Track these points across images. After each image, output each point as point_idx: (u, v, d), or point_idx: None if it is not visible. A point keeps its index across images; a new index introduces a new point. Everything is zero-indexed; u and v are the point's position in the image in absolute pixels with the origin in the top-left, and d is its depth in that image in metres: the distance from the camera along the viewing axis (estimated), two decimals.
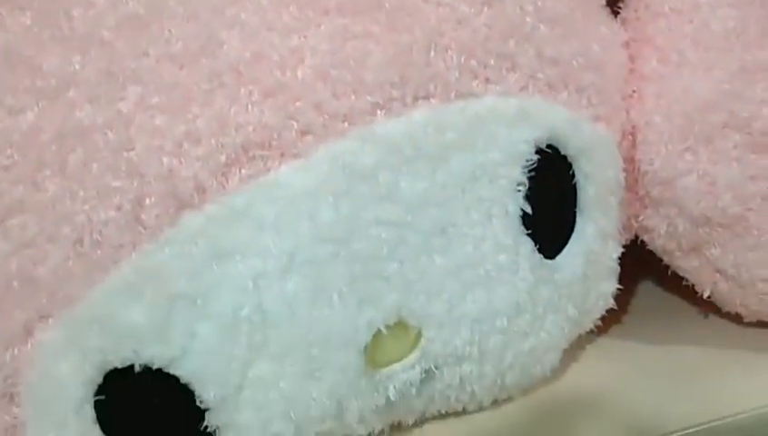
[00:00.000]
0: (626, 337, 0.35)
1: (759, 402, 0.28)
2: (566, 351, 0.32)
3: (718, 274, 0.30)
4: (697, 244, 0.30)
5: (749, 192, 0.27)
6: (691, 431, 0.28)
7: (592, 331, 0.34)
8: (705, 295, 0.31)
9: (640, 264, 0.34)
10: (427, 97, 0.24)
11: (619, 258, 0.32)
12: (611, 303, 0.32)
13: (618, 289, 0.32)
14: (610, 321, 0.35)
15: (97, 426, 0.24)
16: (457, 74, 0.25)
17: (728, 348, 0.32)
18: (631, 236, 0.33)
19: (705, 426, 0.28)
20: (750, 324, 0.32)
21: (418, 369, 0.26)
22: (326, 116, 0.23)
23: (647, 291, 0.38)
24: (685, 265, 0.31)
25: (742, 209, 0.28)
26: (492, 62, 0.25)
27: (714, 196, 0.28)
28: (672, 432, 0.28)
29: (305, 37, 0.23)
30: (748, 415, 0.28)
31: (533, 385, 0.30)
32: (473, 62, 0.25)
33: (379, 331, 0.25)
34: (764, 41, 0.28)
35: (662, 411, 0.29)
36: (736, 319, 0.33)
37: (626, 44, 0.31)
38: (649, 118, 0.29)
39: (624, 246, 0.33)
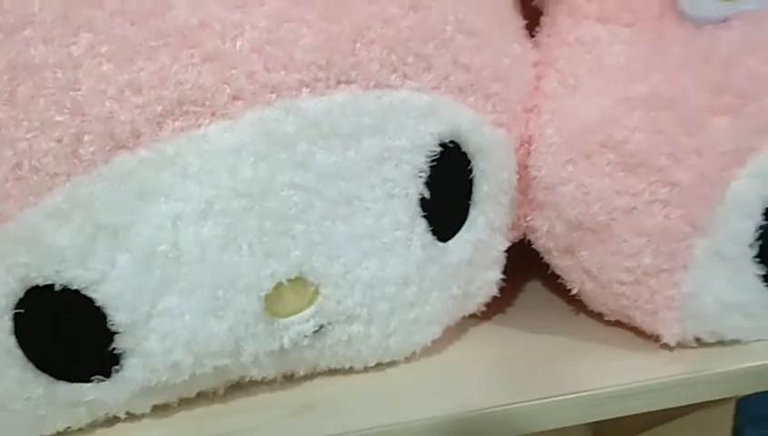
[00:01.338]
0: (506, 324, 0.39)
1: (602, 384, 0.32)
2: (450, 329, 0.36)
3: (585, 275, 0.34)
4: (570, 246, 0.34)
5: (615, 204, 0.32)
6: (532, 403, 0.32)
7: (477, 316, 0.38)
8: (574, 292, 0.36)
9: (529, 262, 0.38)
10: (348, 82, 0.28)
11: (509, 254, 0.36)
12: (495, 292, 0.36)
13: (507, 282, 0.36)
14: (495, 309, 0.39)
15: (13, 338, 0.26)
16: (378, 66, 0.28)
17: (586, 340, 0.36)
18: (520, 235, 0.37)
19: (549, 400, 0.32)
20: (610, 323, 0.37)
21: (312, 322, 0.29)
22: (257, 86, 0.26)
23: (533, 287, 0.42)
24: (561, 264, 0.36)
25: (607, 218, 0.32)
26: (410, 60, 0.29)
27: (587, 204, 0.32)
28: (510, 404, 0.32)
29: (247, 13, 0.26)
30: (588, 394, 0.32)
31: (414, 352, 0.34)
32: (394, 57, 0.28)
33: (280, 283, 0.28)
34: (645, 76, 0.32)
35: (509, 388, 0.33)
36: (600, 317, 0.37)
37: (535, 64, 0.35)
38: (543, 131, 0.33)
39: (514, 243, 0.37)
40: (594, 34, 0.33)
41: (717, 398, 0.35)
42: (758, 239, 0.31)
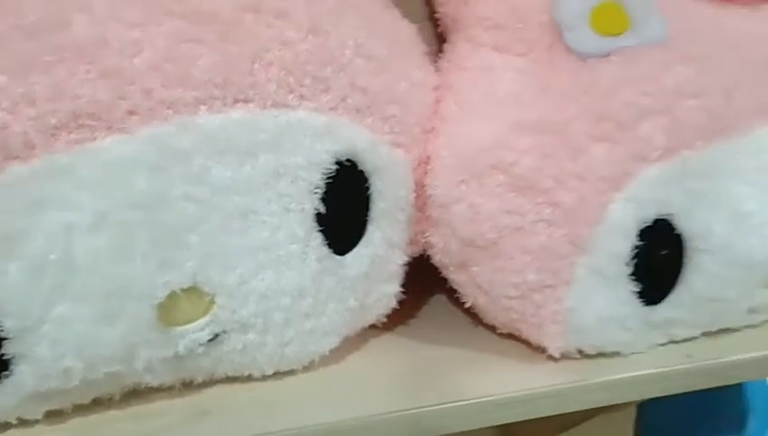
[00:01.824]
0: (407, 335, 0.40)
1: (491, 392, 0.34)
2: (351, 340, 0.38)
3: (478, 289, 0.36)
4: (464, 262, 0.36)
5: (503, 223, 0.34)
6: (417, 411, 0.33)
7: (377, 327, 0.39)
8: (467, 305, 0.38)
9: (433, 275, 0.40)
10: (246, 101, 0.29)
11: (413, 268, 0.38)
12: (394, 304, 0.38)
13: (410, 295, 0.38)
14: (397, 320, 0.40)
15: None
16: (275, 86, 0.29)
17: (481, 351, 0.38)
18: (420, 250, 0.39)
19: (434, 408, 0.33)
20: (504, 335, 0.39)
21: (207, 331, 0.30)
22: (153, 102, 0.27)
23: (437, 300, 0.44)
24: (456, 279, 0.37)
25: (496, 236, 0.34)
26: (308, 82, 0.30)
27: (477, 223, 0.34)
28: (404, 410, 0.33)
29: (146, 32, 0.27)
30: (477, 401, 0.34)
31: (312, 361, 0.35)
32: (291, 79, 0.30)
33: (174, 292, 0.29)
34: (534, 104, 0.34)
35: (404, 394, 0.34)
36: (495, 329, 0.39)
37: (436, 88, 0.37)
38: (439, 152, 0.35)
39: (418, 257, 0.39)
40: (489, 62, 0.35)
41: (599, 406, 0.37)
42: (634, 258, 0.34)
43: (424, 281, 0.39)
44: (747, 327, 0.40)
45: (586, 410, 0.37)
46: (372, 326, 0.39)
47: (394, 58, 0.34)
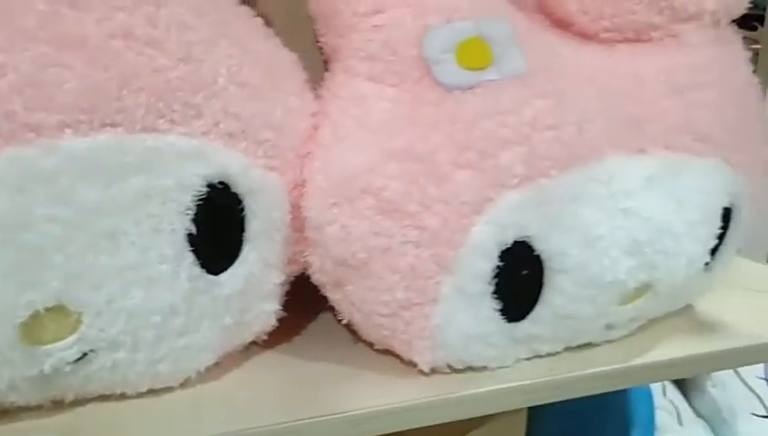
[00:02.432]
0: (289, 352, 0.42)
1: (365, 405, 0.36)
2: (232, 357, 0.39)
3: (352, 307, 0.38)
4: (339, 281, 0.37)
5: (372, 244, 0.35)
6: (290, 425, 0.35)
7: (258, 344, 0.40)
8: (344, 322, 0.39)
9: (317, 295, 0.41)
10: (114, 125, 0.30)
11: (300, 286, 0.39)
12: (273, 321, 0.39)
13: (297, 312, 0.39)
14: (280, 337, 0.42)
15: None
16: (144, 111, 0.30)
17: (359, 366, 0.40)
18: (300, 269, 0.40)
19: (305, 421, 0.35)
20: (381, 351, 0.40)
21: (75, 349, 0.31)
22: (15, 124, 0.27)
23: (324, 317, 0.46)
24: (333, 297, 0.39)
25: (366, 257, 0.36)
26: (178, 108, 0.31)
27: (349, 244, 0.36)
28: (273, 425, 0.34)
29: (11, 57, 0.28)
30: (350, 414, 0.35)
31: (187, 378, 0.36)
32: (161, 105, 0.31)
33: (38, 311, 0.29)
34: (403, 132, 0.36)
35: (278, 409, 0.36)
36: (372, 345, 0.41)
37: (314, 115, 0.39)
38: (314, 176, 0.37)
39: (300, 277, 0.40)
40: (363, 92, 0.37)
41: (467, 417, 0.39)
42: (495, 277, 0.36)
43: (310, 299, 0.41)
44: (606, 342, 0.43)
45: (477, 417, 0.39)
46: (255, 343, 0.40)
47: (269, 86, 0.36)
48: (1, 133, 0.27)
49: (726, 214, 0.43)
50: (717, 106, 0.41)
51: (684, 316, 0.48)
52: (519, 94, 0.36)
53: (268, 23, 0.39)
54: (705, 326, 0.47)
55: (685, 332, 0.46)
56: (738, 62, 0.43)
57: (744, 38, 1.06)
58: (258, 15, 0.39)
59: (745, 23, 1.11)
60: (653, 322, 0.46)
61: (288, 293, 0.41)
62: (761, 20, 0.98)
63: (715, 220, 0.42)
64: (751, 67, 0.44)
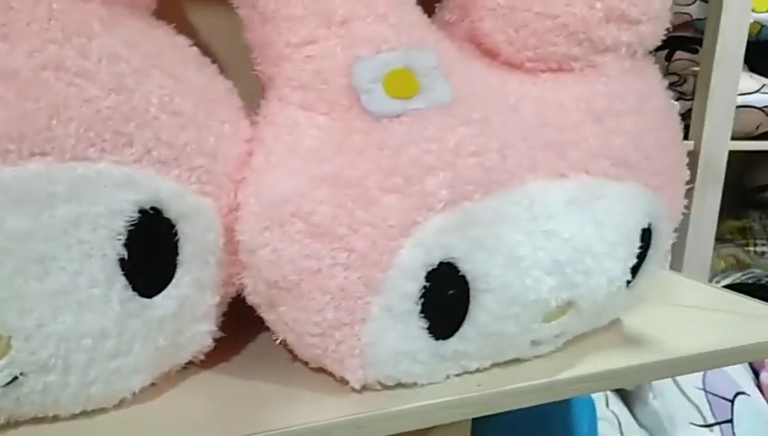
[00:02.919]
0: (227, 372, 0.43)
1: (284, 424, 0.37)
2: (168, 376, 0.39)
3: (286, 327, 0.39)
4: (272, 302, 0.39)
5: (303, 266, 0.37)
6: None
7: (195, 364, 0.41)
8: (278, 342, 0.40)
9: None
10: (43, 154, 0.31)
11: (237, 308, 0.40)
12: (209, 342, 0.40)
13: (237, 333, 0.40)
14: (218, 358, 0.43)
15: None
16: (74, 141, 0.31)
17: (294, 385, 0.41)
18: (235, 290, 0.41)
19: None
20: (316, 369, 0.42)
21: (5, 373, 0.31)
22: None
23: (261, 338, 0.47)
24: (267, 318, 0.40)
25: (297, 278, 0.37)
26: (109, 137, 0.32)
27: (280, 266, 0.37)
28: None
29: None
30: (274, 433, 0.36)
31: (122, 399, 0.37)
32: (91, 134, 0.32)
33: None
34: (332, 159, 0.37)
35: (212, 428, 0.37)
36: (308, 364, 0.42)
37: (249, 141, 0.40)
38: (247, 200, 0.38)
39: (236, 298, 0.41)
40: (295, 119, 0.39)
41: (399, 432, 0.40)
42: (422, 297, 0.38)
43: (248, 319, 0.42)
44: (536, 357, 0.45)
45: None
46: (192, 363, 0.41)
47: (202, 114, 0.37)
48: None
49: (646, 235, 0.45)
50: (634, 133, 0.43)
51: (612, 331, 0.51)
52: (444, 122, 0.38)
53: (207, 52, 0.40)
54: (631, 340, 0.49)
55: (611, 347, 0.48)
56: (654, 90, 0.46)
57: (687, 60, 1.10)
58: (196, 45, 0.40)
59: (687, 46, 1.15)
60: (581, 337, 0.48)
61: (225, 314, 0.42)
62: (700, 43, 1.03)
63: (634, 240, 0.44)
64: (668, 94, 0.47)
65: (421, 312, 0.38)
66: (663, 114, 0.45)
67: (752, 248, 1.41)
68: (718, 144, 1.06)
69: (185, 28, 0.41)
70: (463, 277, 0.39)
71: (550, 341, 0.45)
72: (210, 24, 0.51)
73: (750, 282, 1.28)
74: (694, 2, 1.12)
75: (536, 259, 0.40)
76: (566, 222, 0.41)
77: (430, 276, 0.38)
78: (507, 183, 0.39)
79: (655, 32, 0.44)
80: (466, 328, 0.40)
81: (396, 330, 0.38)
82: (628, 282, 0.45)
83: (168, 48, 0.37)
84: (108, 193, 0.32)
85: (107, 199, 0.32)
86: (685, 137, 1.08)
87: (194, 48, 0.39)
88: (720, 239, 1.28)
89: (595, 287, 0.42)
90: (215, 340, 0.41)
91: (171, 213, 0.35)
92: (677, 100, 1.10)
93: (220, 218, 0.38)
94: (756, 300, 0.58)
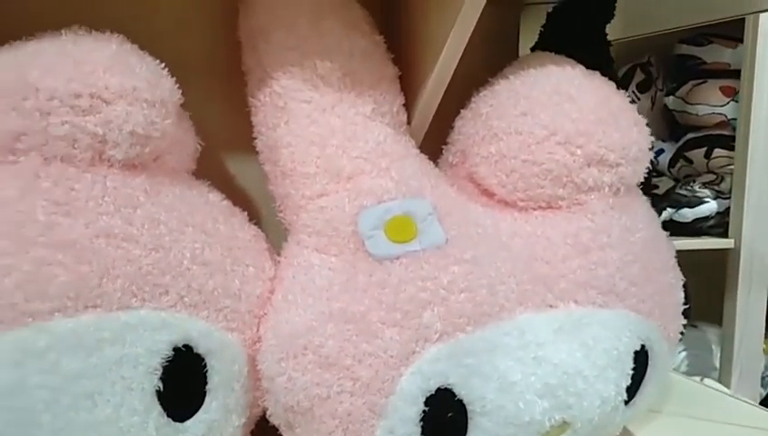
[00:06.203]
0: None
1: None
2: None
3: None
4: (289, 423, 0.44)
5: (314, 393, 0.42)
6: None
7: None
8: None
9: None
10: (95, 307, 0.37)
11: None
12: None
13: None
14: None
15: None
16: (120, 294, 0.38)
17: None
18: (261, 411, 0.47)
19: None
20: None
21: None
22: (17, 313, 0.35)
23: None
24: None
25: (309, 404, 0.42)
26: (149, 288, 0.39)
27: (294, 393, 0.42)
28: None
29: (16, 259, 0.36)
30: None
31: None
32: (134, 287, 0.39)
33: None
34: (339, 297, 0.43)
35: None
36: None
37: (272, 279, 0.46)
38: (266, 334, 0.44)
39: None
40: (311, 261, 0.45)
41: None
42: (421, 420, 0.42)
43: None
44: None
45: None
46: None
47: (229, 261, 0.43)
48: (4, 321, 0.35)
49: (640, 356, 0.48)
50: (620, 263, 0.47)
51: None
52: (438, 263, 0.43)
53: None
54: None
55: None
56: (642, 221, 0.50)
57: (726, 157, 1.12)
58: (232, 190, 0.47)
59: (725, 143, 1.17)
60: None
61: (253, 433, 0.47)
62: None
63: (626, 362, 0.47)
64: (657, 223, 0.51)
65: (422, 433, 0.42)
66: (650, 244, 0.49)
67: None
68: (761, 241, 1.07)
69: (221, 178, 0.48)
70: (460, 401, 0.43)
71: None
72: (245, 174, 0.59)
73: None
74: (728, 103, 1.15)
75: (528, 383, 0.44)
76: (555, 349, 0.44)
77: (429, 401, 0.42)
78: (497, 316, 0.44)
79: (635, 171, 0.48)
80: None
81: None
82: (626, 402, 0.48)
83: (201, 206, 0.44)
84: (147, 335, 0.39)
85: (146, 341, 0.39)
86: (725, 235, 1.10)
87: (225, 202, 0.46)
88: None
89: (588, 408, 0.46)
90: None
91: (200, 348, 0.41)
92: (715, 199, 1.11)
93: (244, 350, 0.43)
94: None
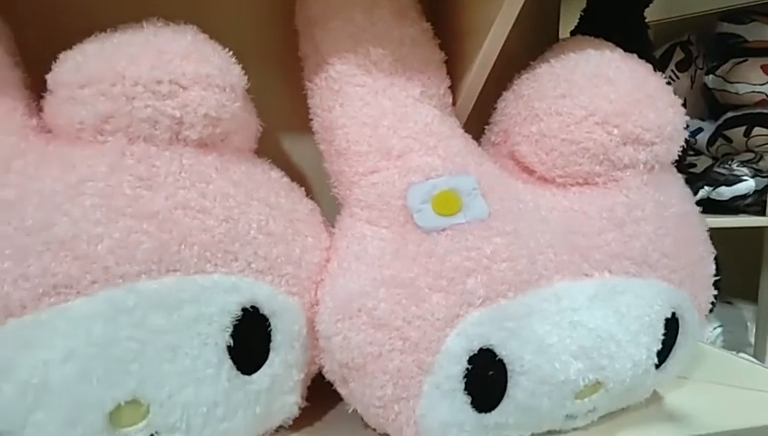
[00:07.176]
0: (309, 434, 0.52)
1: None
2: None
3: (355, 399, 0.49)
4: (344, 379, 0.48)
5: (367, 351, 0.46)
6: None
7: (285, 428, 0.51)
8: (350, 411, 0.50)
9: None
10: (175, 271, 0.42)
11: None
12: (296, 411, 0.50)
13: (322, 403, 0.50)
14: (303, 423, 0.52)
15: None
16: (196, 260, 0.43)
17: None
18: (317, 369, 0.51)
19: None
20: (381, 435, 0.51)
21: (145, 432, 0.42)
22: (109, 275, 0.40)
23: (339, 407, 0.56)
24: (341, 392, 0.50)
25: (363, 361, 0.46)
26: (220, 255, 0.44)
27: (349, 350, 0.46)
28: None
29: (106, 228, 0.41)
30: None
31: None
32: (208, 253, 0.43)
33: (120, 404, 0.41)
34: (390, 264, 0.47)
35: None
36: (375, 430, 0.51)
37: (327, 249, 0.51)
38: (323, 298, 0.48)
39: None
40: (363, 232, 0.49)
41: None
42: (464, 377, 0.46)
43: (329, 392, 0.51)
44: (573, 430, 0.52)
45: None
46: (283, 427, 0.51)
47: (290, 231, 0.48)
48: (99, 281, 0.40)
49: (671, 323, 0.52)
50: (653, 236, 0.50)
51: (651, 406, 0.56)
52: (482, 234, 0.47)
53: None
54: (668, 415, 0.55)
55: (646, 421, 0.54)
56: (675, 197, 0.53)
57: (766, 135, 1.12)
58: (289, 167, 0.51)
59: (765, 122, 1.16)
60: (618, 412, 0.54)
61: (309, 388, 0.52)
62: None
63: (658, 328, 0.51)
64: (690, 199, 0.54)
65: (465, 389, 0.46)
66: (682, 218, 0.52)
67: None
68: None
69: (280, 157, 0.52)
70: (501, 361, 0.47)
71: (584, 416, 0.51)
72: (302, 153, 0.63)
73: None
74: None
75: (563, 346, 0.47)
76: (589, 315, 0.48)
77: (472, 360, 0.46)
78: (536, 283, 0.47)
79: (669, 150, 0.51)
80: (505, 403, 0.48)
81: (444, 404, 0.46)
82: (657, 366, 0.51)
83: (264, 182, 0.48)
84: (220, 297, 0.43)
85: (219, 301, 0.43)
86: (763, 213, 1.11)
87: (285, 178, 0.51)
88: None
89: (620, 369, 0.49)
90: (301, 409, 0.51)
91: (265, 310, 0.45)
92: (753, 178, 1.12)
93: (304, 312, 0.48)
94: None
